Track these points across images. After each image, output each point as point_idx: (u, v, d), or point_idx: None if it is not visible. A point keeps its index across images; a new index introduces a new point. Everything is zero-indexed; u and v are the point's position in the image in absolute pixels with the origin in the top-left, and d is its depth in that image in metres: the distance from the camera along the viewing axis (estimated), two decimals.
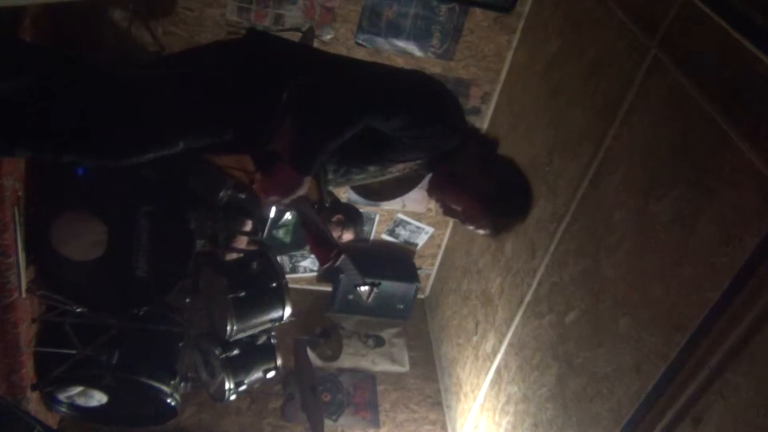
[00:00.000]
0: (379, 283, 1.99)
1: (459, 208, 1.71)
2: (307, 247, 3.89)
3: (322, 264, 1.89)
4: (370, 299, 1.99)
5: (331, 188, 1.92)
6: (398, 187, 1.92)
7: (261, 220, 2.89)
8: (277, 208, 2.79)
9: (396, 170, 1.75)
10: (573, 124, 2.57)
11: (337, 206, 3.17)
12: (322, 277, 4.14)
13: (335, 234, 3.20)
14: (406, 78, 1.61)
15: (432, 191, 1.76)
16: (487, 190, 1.66)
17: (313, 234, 1.90)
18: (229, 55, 1.60)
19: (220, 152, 1.64)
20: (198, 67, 1.56)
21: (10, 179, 2.16)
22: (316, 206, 1.83)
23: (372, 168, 1.72)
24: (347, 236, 3.47)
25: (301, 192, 1.57)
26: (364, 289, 1.99)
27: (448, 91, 1.64)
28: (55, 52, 1.74)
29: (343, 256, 1.90)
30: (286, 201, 1.60)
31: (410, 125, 1.52)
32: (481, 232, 1.75)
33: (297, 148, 1.49)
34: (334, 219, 3.08)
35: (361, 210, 3.71)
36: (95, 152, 1.49)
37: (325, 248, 1.86)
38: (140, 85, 1.50)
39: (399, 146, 1.60)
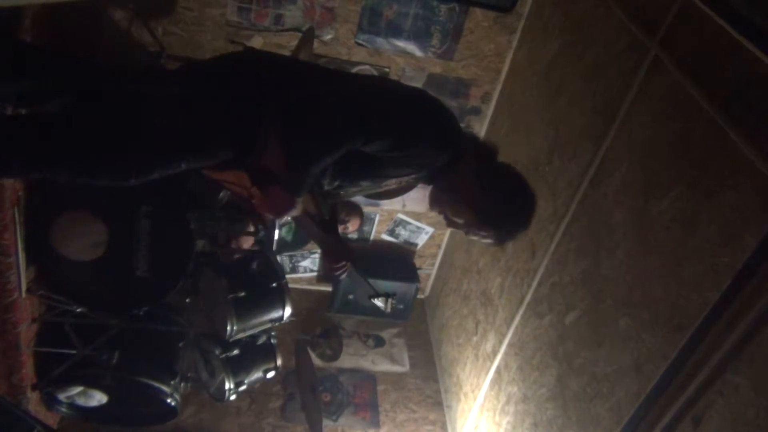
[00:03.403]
0: (395, 293, 2.00)
1: (460, 221, 1.71)
2: (309, 246, 3.90)
3: (332, 273, 1.91)
4: (388, 309, 2.00)
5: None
6: (398, 188, 1.92)
7: (267, 236, 2.89)
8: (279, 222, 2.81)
9: (391, 184, 1.76)
10: (573, 124, 2.57)
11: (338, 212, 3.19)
12: (322, 277, 4.14)
13: (341, 227, 3.22)
14: (391, 97, 1.59)
15: (433, 204, 1.76)
16: (487, 202, 1.64)
17: (322, 247, 1.92)
18: (227, 76, 1.61)
19: (218, 169, 1.66)
20: (197, 88, 1.58)
21: (10, 179, 2.16)
22: (317, 220, 1.84)
23: (365, 183, 1.72)
24: (354, 225, 3.49)
25: (295, 212, 1.59)
26: (380, 302, 2.00)
27: (437, 107, 1.62)
28: (57, 55, 1.75)
29: (354, 271, 1.91)
30: (281, 220, 1.62)
31: (392, 147, 1.53)
32: (484, 241, 1.75)
33: (286, 171, 1.52)
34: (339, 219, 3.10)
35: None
36: (105, 175, 1.53)
37: (334, 260, 1.88)
38: (143, 108, 1.52)
39: (389, 164, 1.60)
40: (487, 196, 1.64)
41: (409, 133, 1.54)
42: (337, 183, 1.71)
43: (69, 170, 1.50)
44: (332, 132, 1.48)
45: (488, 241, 1.73)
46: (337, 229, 1.98)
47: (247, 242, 2.94)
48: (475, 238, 1.74)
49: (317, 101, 1.51)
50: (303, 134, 1.49)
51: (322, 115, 1.49)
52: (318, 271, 4.11)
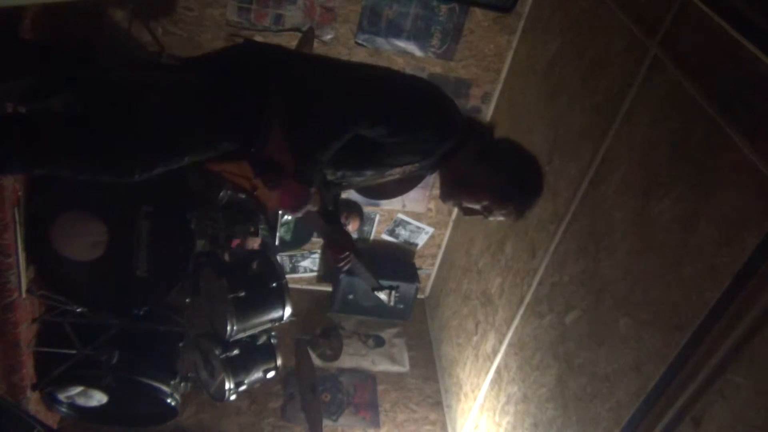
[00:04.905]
0: (398, 286, 2.00)
1: (477, 206, 1.71)
2: (309, 246, 3.90)
3: (335, 264, 1.91)
4: (391, 302, 2.00)
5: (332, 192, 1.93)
6: (399, 186, 1.92)
7: (270, 228, 2.89)
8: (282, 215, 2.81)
9: (395, 173, 1.76)
10: (573, 124, 2.57)
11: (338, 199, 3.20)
12: (322, 277, 4.14)
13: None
14: (394, 84, 1.61)
15: (446, 198, 1.76)
16: (500, 180, 1.65)
17: (325, 239, 1.92)
18: (229, 68, 1.61)
19: (221, 160, 1.67)
20: (199, 81, 1.58)
21: (10, 179, 2.16)
22: (320, 211, 1.85)
23: (369, 172, 1.72)
24: (354, 225, 3.49)
25: (312, 202, 1.59)
26: (383, 294, 2.00)
27: (440, 94, 1.63)
28: (58, 52, 1.75)
29: (357, 262, 1.92)
30: (300, 213, 1.62)
31: (396, 132, 1.53)
32: (504, 218, 1.75)
33: (295, 163, 1.52)
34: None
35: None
36: (108, 170, 1.53)
37: (338, 250, 1.89)
38: (146, 102, 1.52)
39: (392, 151, 1.60)
40: (498, 175, 1.65)
41: (411, 117, 1.54)
42: (340, 173, 1.71)
43: (71, 167, 1.50)
44: (335, 118, 1.48)
45: (510, 216, 1.73)
46: (339, 220, 1.99)
47: (254, 243, 2.94)
48: (495, 218, 1.74)
49: (319, 89, 1.51)
50: (306, 123, 1.49)
51: (324, 102, 1.49)
52: (318, 271, 4.11)
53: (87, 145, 1.49)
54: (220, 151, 1.60)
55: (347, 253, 1.90)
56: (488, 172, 1.66)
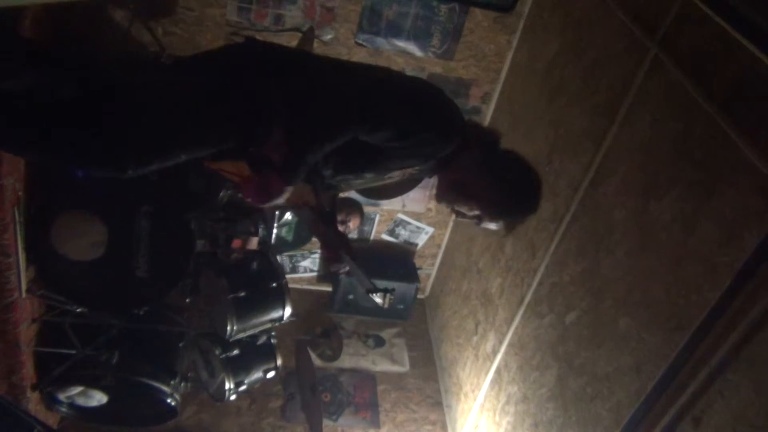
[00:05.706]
0: (393, 289, 2.00)
1: (470, 213, 1.71)
2: (309, 246, 3.90)
3: (330, 264, 1.91)
4: (386, 304, 2.00)
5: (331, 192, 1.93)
6: (399, 186, 1.92)
7: (267, 226, 2.89)
8: (277, 211, 2.81)
9: (395, 176, 1.75)
10: (573, 124, 2.57)
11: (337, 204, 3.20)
12: (322, 277, 4.14)
13: (341, 225, 3.23)
14: (395, 87, 1.60)
15: (440, 198, 1.75)
16: (495, 191, 1.64)
17: (321, 239, 1.92)
18: (229, 66, 1.61)
19: (218, 158, 1.66)
20: (198, 79, 1.58)
21: (10, 179, 2.16)
22: (317, 212, 1.85)
23: (368, 175, 1.72)
24: (354, 223, 3.50)
25: (280, 200, 1.57)
26: (378, 297, 2.00)
27: (442, 97, 1.62)
28: (59, 49, 1.75)
29: (352, 263, 1.92)
30: (264, 206, 1.61)
31: (397, 137, 1.53)
32: (494, 228, 1.74)
33: (283, 158, 1.51)
34: (339, 217, 3.11)
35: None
36: (101, 164, 1.53)
37: (332, 251, 1.89)
38: (143, 98, 1.52)
39: (392, 155, 1.60)
40: (496, 188, 1.64)
41: (412, 123, 1.53)
42: (340, 176, 1.70)
43: (63, 158, 1.50)
44: (332, 121, 1.48)
45: (500, 228, 1.72)
46: (335, 221, 1.98)
47: (253, 243, 2.95)
48: (486, 226, 1.73)
49: (319, 91, 1.51)
50: (303, 123, 1.48)
51: (323, 104, 1.48)
52: (318, 271, 4.11)
53: (80, 137, 1.47)
54: (217, 148, 1.59)
55: (342, 254, 1.90)
56: (487, 183, 1.64)
